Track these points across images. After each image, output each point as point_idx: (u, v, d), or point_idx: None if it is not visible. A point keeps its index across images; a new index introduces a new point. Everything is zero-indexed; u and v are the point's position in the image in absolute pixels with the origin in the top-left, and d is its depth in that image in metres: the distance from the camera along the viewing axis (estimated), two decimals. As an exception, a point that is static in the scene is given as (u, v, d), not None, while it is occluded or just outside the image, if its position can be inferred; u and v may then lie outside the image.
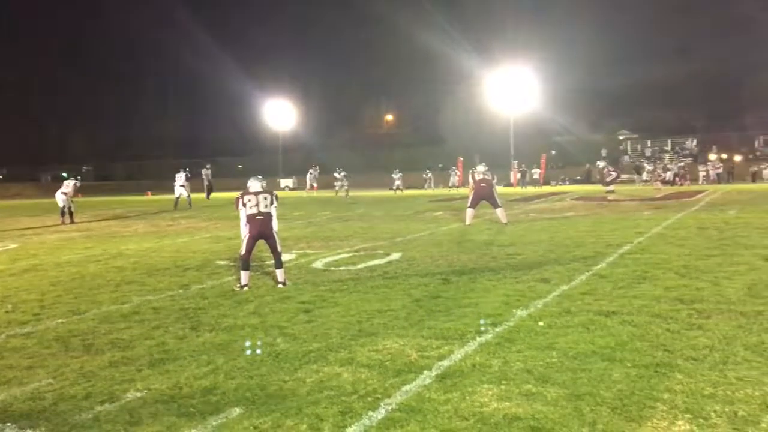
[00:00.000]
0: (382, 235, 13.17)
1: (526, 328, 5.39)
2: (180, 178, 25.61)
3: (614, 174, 26.41)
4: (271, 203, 7.71)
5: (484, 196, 14.80)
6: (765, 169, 39.29)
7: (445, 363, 4.54)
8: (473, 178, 15.09)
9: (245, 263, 7.69)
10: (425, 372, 4.36)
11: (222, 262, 10.03)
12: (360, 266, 9.21)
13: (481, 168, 15.25)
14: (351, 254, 10.49)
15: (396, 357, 4.75)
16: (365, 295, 7.10)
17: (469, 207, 14.97)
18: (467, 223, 14.75)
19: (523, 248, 10.43)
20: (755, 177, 39.79)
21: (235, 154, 73.26)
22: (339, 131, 69.14)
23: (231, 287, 7.80)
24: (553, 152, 53.52)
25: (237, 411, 3.82)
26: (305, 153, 61.19)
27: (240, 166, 68.20)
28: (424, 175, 42.77)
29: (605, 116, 56.54)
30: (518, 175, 43.04)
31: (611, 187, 25.07)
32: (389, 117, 74.54)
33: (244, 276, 7.69)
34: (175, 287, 8.03)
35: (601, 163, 28.47)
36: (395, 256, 10.07)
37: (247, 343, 5.26)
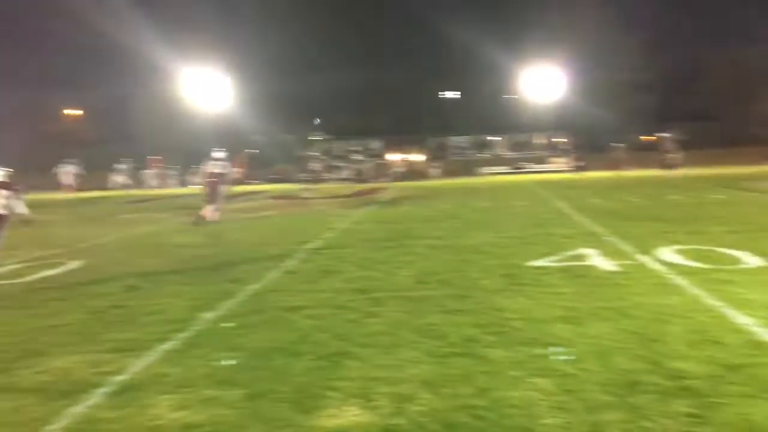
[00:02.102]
0: (62, 242, 11.93)
1: (213, 331, 5.31)
2: None
3: (318, 172, 27.64)
4: None
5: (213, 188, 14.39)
6: (433, 168, 44.44)
7: (122, 377, 4.23)
8: (206, 169, 14.55)
9: None
10: (98, 390, 4.02)
11: None
12: (31, 278, 8.20)
13: (218, 155, 14.69)
14: (22, 265, 9.29)
15: (65, 377, 4.30)
16: (35, 310, 6.33)
17: (208, 202, 14.40)
18: (210, 220, 14.22)
19: (216, 249, 10.30)
20: (425, 175, 44.71)
21: None
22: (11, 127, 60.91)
23: None
24: (256, 151, 54.04)
25: None
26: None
27: None
28: (113, 175, 39.83)
29: (299, 118, 58.82)
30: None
31: (307, 186, 26.16)
32: (73, 111, 67.89)
33: None
34: None
35: (316, 164, 29.66)
36: (75, 264, 9.18)
37: None
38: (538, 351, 4.44)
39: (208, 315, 5.83)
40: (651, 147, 39.17)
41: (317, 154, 49.10)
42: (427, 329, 5.07)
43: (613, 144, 36.46)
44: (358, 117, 61.57)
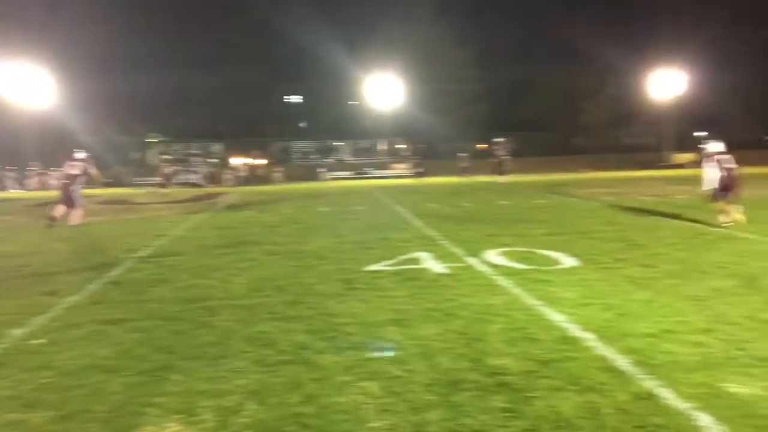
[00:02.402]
0: None
1: (21, 349, 4.83)
2: None
3: (169, 174, 26.36)
4: None
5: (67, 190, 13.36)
6: (276, 172, 43.99)
7: None
8: (64, 171, 13.54)
9: None
10: None
11: None
12: None
13: (78, 155, 13.71)
14: None
15: None
16: None
17: (63, 204, 13.48)
18: (74, 223, 13.30)
19: (35, 258, 9.44)
20: (267, 179, 44.11)
21: None
22: None
23: None
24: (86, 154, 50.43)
25: None
26: None
27: None
28: None
29: (134, 119, 55.79)
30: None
31: (142, 190, 24.87)
32: None
33: None
34: None
35: (169, 168, 28.17)
36: None
37: None
38: (368, 355, 4.48)
39: (17, 331, 5.30)
40: (485, 154, 41.54)
41: (155, 156, 46.86)
42: (257, 338, 4.95)
43: (460, 154, 38.12)
44: (200, 119, 59.58)
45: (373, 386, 3.88)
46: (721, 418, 3.31)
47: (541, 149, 50.41)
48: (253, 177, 41.64)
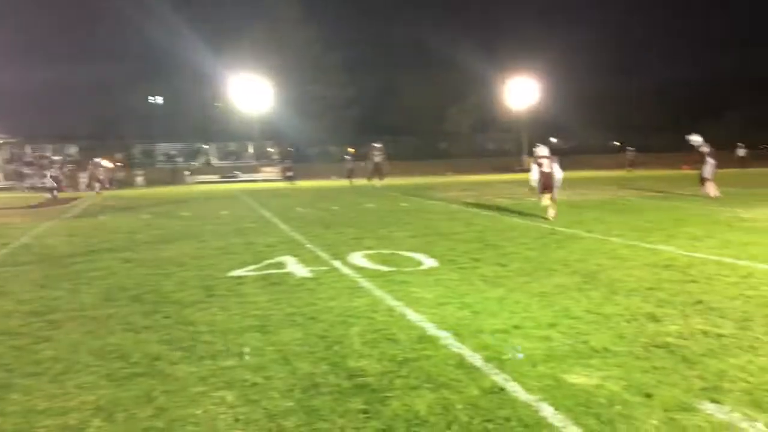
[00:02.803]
0: None
1: None
2: None
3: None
4: None
5: None
6: (137, 176, 42.09)
7: None
8: None
9: None
10: None
11: None
12: None
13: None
14: None
15: None
16: None
17: None
18: None
19: None
20: (128, 183, 42.06)
21: None
22: None
23: None
24: None
25: None
26: None
27: None
28: None
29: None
30: None
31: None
32: None
33: None
34: None
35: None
36: None
37: None
38: (227, 363, 4.37)
39: None
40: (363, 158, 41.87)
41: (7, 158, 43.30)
42: (108, 351, 4.69)
43: (347, 156, 37.91)
44: (55, 119, 55.70)
45: (230, 395, 3.78)
46: (561, 408, 3.53)
47: (409, 153, 51.69)
48: (113, 181, 39.48)
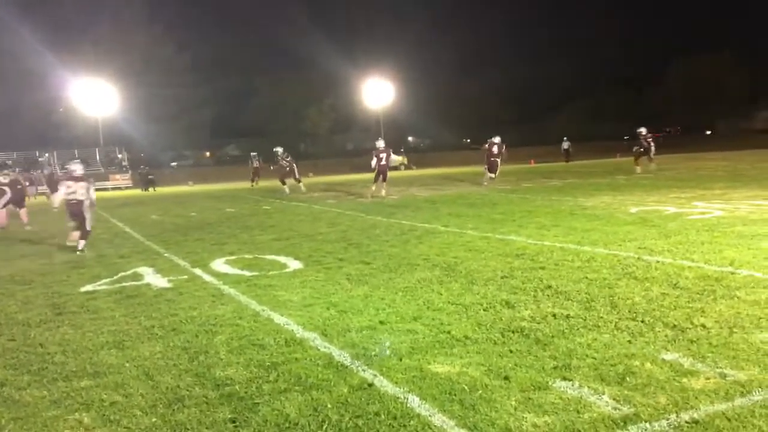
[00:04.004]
0: None
1: None
2: None
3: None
4: None
5: None
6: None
7: None
8: None
9: None
10: None
11: None
12: None
13: None
14: None
15: None
16: None
17: None
18: None
19: None
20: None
21: None
22: None
23: None
24: None
25: None
26: None
27: None
28: None
29: None
30: None
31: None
32: None
33: None
34: None
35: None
36: None
37: None
38: (83, 384, 4.11)
39: None
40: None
41: None
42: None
43: (252, 153, 35.86)
44: None
45: (86, 417, 3.57)
46: (427, 397, 3.65)
47: (268, 155, 50.99)
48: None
